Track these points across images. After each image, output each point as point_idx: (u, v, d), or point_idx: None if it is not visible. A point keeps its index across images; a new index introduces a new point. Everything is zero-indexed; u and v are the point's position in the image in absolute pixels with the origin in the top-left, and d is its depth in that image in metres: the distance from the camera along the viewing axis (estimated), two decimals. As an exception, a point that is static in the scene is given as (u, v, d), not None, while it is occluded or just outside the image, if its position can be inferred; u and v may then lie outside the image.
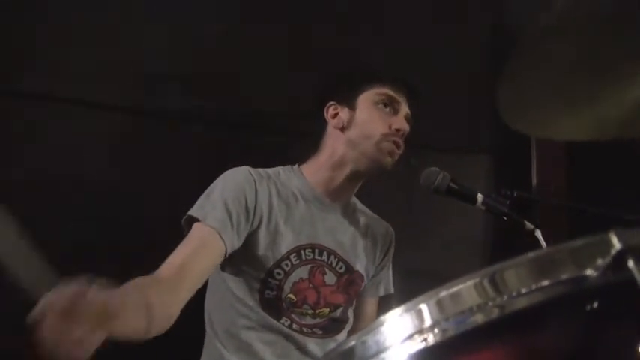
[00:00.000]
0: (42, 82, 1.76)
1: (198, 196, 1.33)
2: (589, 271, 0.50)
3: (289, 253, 1.35)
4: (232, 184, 1.33)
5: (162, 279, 1.13)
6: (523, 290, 0.51)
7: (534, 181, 2.09)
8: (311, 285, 1.37)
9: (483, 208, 1.32)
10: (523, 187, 1.54)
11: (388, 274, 1.56)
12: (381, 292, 1.54)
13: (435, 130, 1.94)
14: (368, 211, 1.56)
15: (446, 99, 1.97)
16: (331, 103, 1.48)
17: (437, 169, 1.35)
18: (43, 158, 1.74)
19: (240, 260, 1.32)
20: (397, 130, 1.39)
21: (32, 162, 1.73)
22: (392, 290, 1.56)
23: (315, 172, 1.45)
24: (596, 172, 1.95)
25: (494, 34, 2.13)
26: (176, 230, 1.29)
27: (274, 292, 1.33)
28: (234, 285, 1.35)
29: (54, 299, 0.79)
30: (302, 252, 1.37)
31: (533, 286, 0.51)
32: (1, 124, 1.70)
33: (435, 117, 1.88)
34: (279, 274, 1.33)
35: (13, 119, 1.73)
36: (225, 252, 1.25)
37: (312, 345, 1.37)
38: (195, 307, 1.19)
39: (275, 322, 1.34)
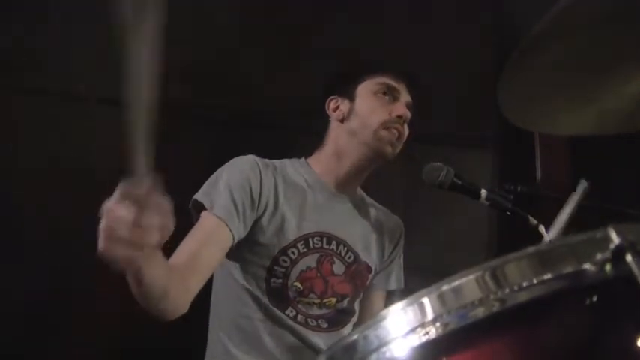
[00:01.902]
0: (42, 78, 1.77)
1: (198, 190, 1.33)
2: (588, 266, 0.51)
3: (297, 240, 1.35)
4: (238, 171, 1.34)
5: (174, 267, 1.12)
6: (524, 284, 0.52)
7: (538, 176, 2.09)
8: (319, 274, 1.37)
9: (487, 203, 1.32)
10: (527, 182, 1.53)
11: (399, 267, 1.55)
12: (392, 286, 1.53)
13: (438, 125, 1.94)
14: (377, 204, 1.56)
15: (449, 94, 1.97)
16: (332, 97, 1.48)
17: (441, 164, 1.35)
18: (44, 154, 1.75)
19: (246, 248, 1.33)
20: (398, 117, 1.39)
21: (33, 157, 1.74)
22: (402, 284, 1.54)
23: (320, 164, 1.46)
24: (599, 166, 1.95)
25: (496, 33, 2.13)
26: (177, 225, 1.29)
27: (280, 280, 1.33)
28: (240, 274, 1.35)
29: (130, 188, 0.76)
30: (310, 240, 1.37)
31: (534, 280, 0.52)
32: (1, 119, 1.72)
33: (438, 112, 1.88)
34: (285, 261, 1.34)
35: (14, 114, 1.74)
36: (233, 241, 1.26)
37: (317, 339, 1.38)
38: (197, 299, 1.19)
39: (280, 313, 1.34)
